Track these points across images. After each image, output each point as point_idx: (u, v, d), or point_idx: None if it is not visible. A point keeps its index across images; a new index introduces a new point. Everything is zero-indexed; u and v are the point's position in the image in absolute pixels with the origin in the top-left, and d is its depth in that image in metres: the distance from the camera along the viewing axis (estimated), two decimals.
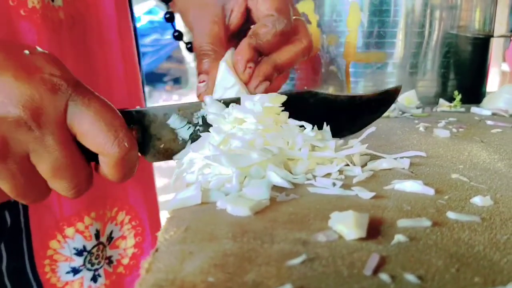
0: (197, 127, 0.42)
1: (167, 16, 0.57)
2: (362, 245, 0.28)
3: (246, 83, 0.46)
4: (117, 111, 0.38)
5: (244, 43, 0.47)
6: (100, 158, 0.38)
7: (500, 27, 0.98)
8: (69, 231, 0.59)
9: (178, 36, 0.59)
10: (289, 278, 0.24)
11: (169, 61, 5.90)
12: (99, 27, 0.58)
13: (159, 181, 0.70)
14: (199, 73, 0.48)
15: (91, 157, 0.39)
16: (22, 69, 0.35)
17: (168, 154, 0.42)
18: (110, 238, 0.65)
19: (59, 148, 0.36)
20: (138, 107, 0.42)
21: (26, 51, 0.36)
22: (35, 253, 0.57)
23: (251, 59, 0.46)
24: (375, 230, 0.30)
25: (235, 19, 0.50)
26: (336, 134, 0.45)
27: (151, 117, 0.41)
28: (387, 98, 0.50)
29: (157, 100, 4.97)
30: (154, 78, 5.70)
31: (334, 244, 0.28)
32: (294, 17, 0.49)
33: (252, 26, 0.50)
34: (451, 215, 0.32)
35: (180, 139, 0.42)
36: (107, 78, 0.60)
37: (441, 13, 0.82)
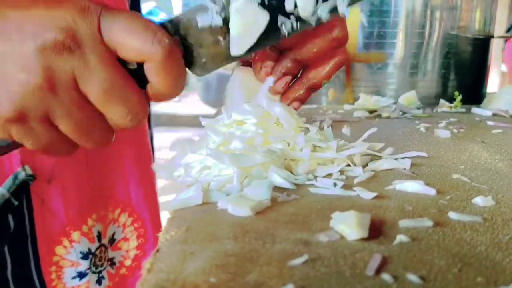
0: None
1: None
2: (364, 245, 0.28)
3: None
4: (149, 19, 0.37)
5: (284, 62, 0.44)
6: (146, 68, 0.37)
7: (500, 28, 0.98)
8: (75, 235, 0.58)
9: None
10: (291, 278, 0.24)
11: None
12: None
13: (160, 182, 0.69)
14: None
15: (140, 85, 0.37)
16: (49, 0, 0.35)
17: (215, 61, 0.39)
18: (112, 240, 0.64)
19: (104, 66, 0.35)
20: (169, 16, 0.40)
21: None
22: (41, 261, 0.57)
23: (267, 58, 0.44)
24: (377, 230, 0.30)
25: None
26: None
27: (186, 23, 0.38)
28: None
29: None
30: None
31: (336, 244, 0.28)
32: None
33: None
34: (452, 215, 0.32)
35: (221, 39, 0.39)
36: None
37: (441, 14, 0.82)
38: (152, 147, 0.70)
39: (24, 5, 0.36)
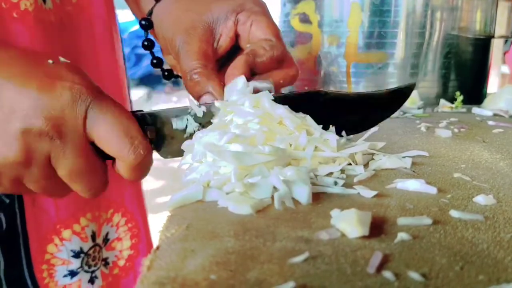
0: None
1: (146, 44, 0.55)
2: (365, 243, 0.28)
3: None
4: (133, 117, 0.41)
5: (241, 59, 0.46)
6: (117, 162, 0.41)
7: (500, 29, 0.98)
8: (66, 233, 0.58)
9: (157, 63, 0.57)
10: (292, 276, 0.24)
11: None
12: (89, 30, 0.58)
13: (157, 183, 0.69)
14: (198, 97, 0.47)
15: (108, 156, 0.41)
16: (45, 79, 0.37)
17: (180, 151, 0.43)
18: (105, 239, 0.64)
19: (77, 155, 0.39)
20: (151, 109, 0.44)
21: (50, 61, 0.39)
22: (33, 259, 0.57)
23: (245, 75, 0.45)
24: (378, 228, 0.30)
25: (224, 43, 0.50)
26: (345, 131, 0.46)
27: (164, 119, 0.43)
28: (399, 96, 0.49)
29: (156, 102, 4.96)
30: (153, 80, 5.69)
31: (336, 242, 0.28)
32: None
33: (248, 45, 0.49)
34: (454, 213, 0.32)
35: (191, 137, 0.43)
36: (98, 81, 0.60)
37: (442, 14, 0.82)
38: None
39: (20, 79, 0.37)
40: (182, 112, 0.43)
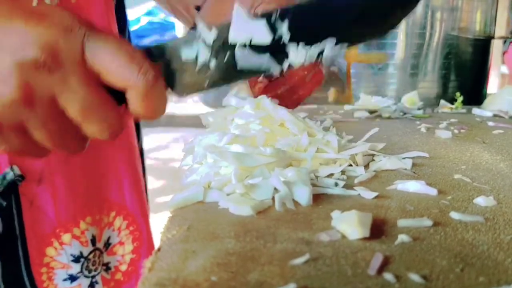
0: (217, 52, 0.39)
1: None
2: (366, 244, 0.28)
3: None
4: (136, 47, 0.37)
5: None
6: (128, 94, 0.37)
7: (500, 29, 0.98)
8: (66, 237, 0.58)
9: None
10: (293, 277, 0.24)
11: None
12: None
13: (157, 183, 0.69)
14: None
15: (119, 100, 0.37)
16: (32, 15, 0.34)
17: (198, 86, 0.40)
18: (107, 244, 0.64)
19: (84, 87, 0.35)
20: (156, 42, 0.40)
21: (34, 2, 0.36)
22: (31, 261, 0.56)
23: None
24: (379, 230, 0.30)
25: None
26: (366, 35, 0.42)
27: (171, 50, 0.39)
28: None
29: None
30: None
31: (337, 243, 0.28)
32: None
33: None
34: (454, 215, 0.32)
35: (205, 68, 0.39)
36: None
37: (442, 15, 0.82)
38: (141, 150, 0.70)
39: (3, 15, 0.35)
40: (190, 38, 0.39)
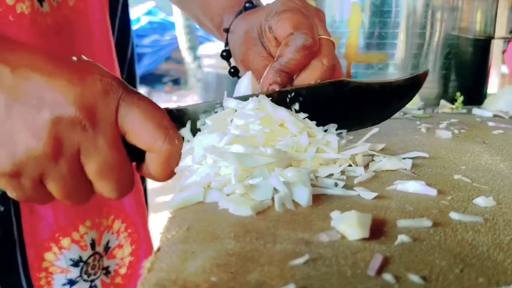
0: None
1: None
2: (365, 245, 0.28)
3: None
4: (164, 110, 0.40)
5: (268, 69, 0.46)
6: (148, 156, 0.39)
7: (500, 29, 0.98)
8: (65, 241, 0.58)
9: (233, 72, 0.58)
10: (292, 278, 0.24)
11: (168, 62, 5.90)
12: (86, 33, 0.58)
13: (156, 183, 0.70)
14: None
15: (133, 158, 0.40)
16: (74, 73, 0.36)
17: None
18: (106, 248, 0.64)
19: (109, 148, 0.37)
20: (178, 105, 0.43)
21: (74, 58, 0.38)
22: (30, 266, 0.56)
23: (274, 82, 0.45)
24: (378, 230, 0.30)
25: (273, 48, 0.49)
26: (365, 122, 0.46)
27: (192, 115, 0.42)
28: (415, 83, 0.50)
29: (156, 101, 4.95)
30: (153, 79, 5.69)
31: (337, 244, 0.28)
32: (320, 36, 0.48)
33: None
34: (454, 215, 0.32)
35: None
36: None
37: (442, 15, 0.82)
38: None
39: (48, 72, 0.36)
40: (210, 107, 0.42)
